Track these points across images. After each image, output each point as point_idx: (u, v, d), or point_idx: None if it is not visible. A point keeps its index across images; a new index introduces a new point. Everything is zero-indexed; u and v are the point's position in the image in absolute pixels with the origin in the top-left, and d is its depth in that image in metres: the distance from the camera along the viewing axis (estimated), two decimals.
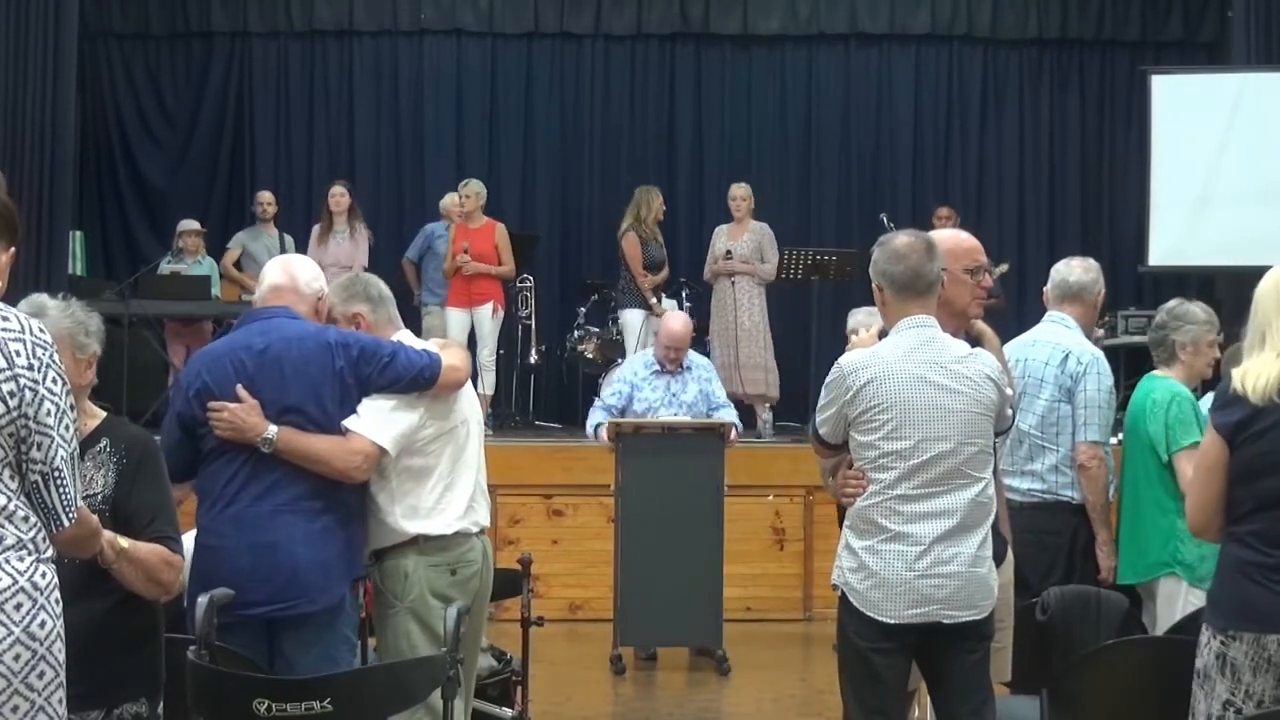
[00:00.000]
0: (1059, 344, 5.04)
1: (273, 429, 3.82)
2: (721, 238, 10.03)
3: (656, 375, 7.50)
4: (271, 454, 3.83)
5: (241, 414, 3.82)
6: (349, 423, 3.91)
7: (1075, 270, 5.21)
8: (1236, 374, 3.37)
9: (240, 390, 3.84)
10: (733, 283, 9.82)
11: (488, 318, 9.84)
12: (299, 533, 3.83)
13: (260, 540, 3.80)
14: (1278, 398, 3.28)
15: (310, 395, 3.88)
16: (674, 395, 7.46)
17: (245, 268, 10.47)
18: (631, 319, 10.04)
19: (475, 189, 10.00)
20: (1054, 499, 4.96)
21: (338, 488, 3.91)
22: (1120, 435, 5.20)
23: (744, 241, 9.90)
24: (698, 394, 7.49)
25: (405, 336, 4.21)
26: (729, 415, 7.46)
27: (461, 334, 9.54)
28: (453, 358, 4.11)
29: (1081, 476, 4.92)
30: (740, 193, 10.09)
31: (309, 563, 3.82)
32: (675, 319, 7.69)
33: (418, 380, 3.97)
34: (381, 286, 4.28)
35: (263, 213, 10.67)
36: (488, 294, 9.86)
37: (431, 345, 4.18)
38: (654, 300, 9.96)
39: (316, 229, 10.27)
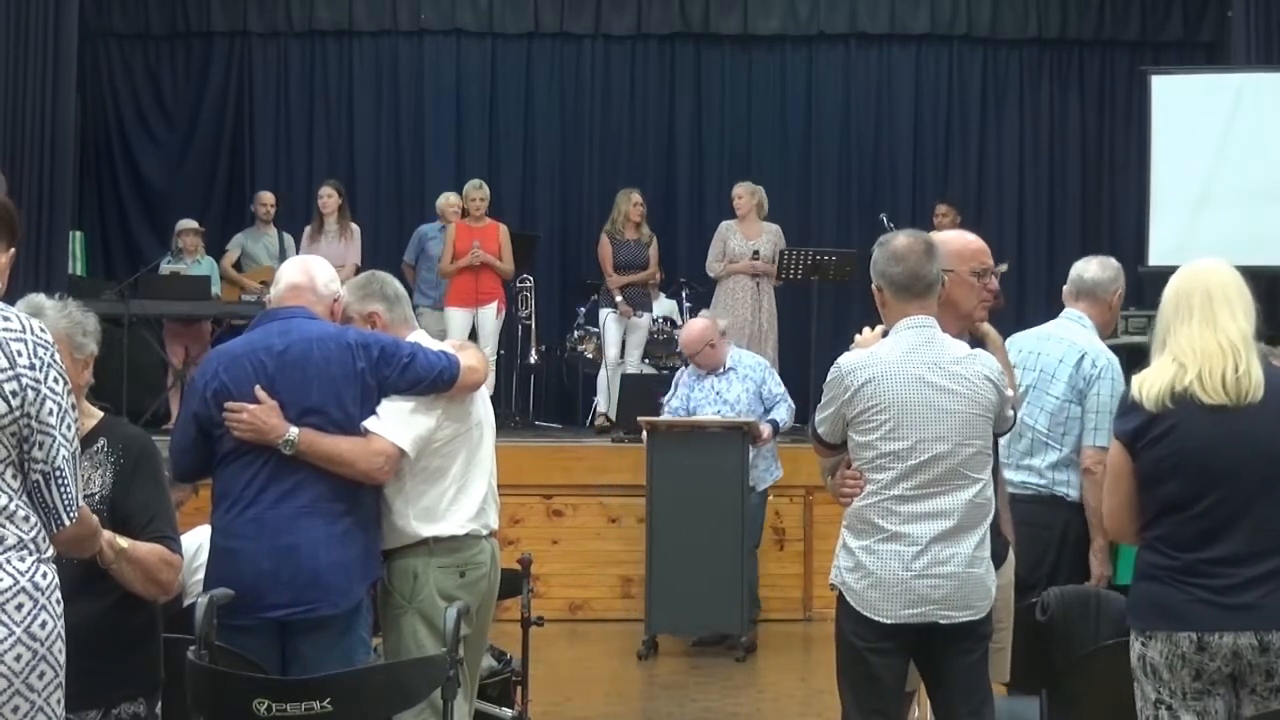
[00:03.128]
0: (1075, 343, 4.97)
1: (294, 430, 3.79)
2: (735, 236, 9.89)
3: (701, 378, 7.70)
4: (292, 455, 3.80)
5: (261, 415, 3.79)
6: (369, 424, 3.89)
7: (1092, 267, 5.15)
8: (1136, 380, 3.38)
9: (259, 391, 3.81)
10: (757, 284, 9.79)
11: (491, 317, 9.92)
12: (321, 535, 3.81)
13: (281, 543, 3.78)
14: (1170, 403, 3.29)
15: (331, 396, 3.86)
16: (718, 394, 7.64)
17: (245, 269, 10.47)
18: (601, 317, 10.16)
19: (485, 190, 10.10)
20: (1049, 494, 4.94)
21: (358, 489, 3.90)
22: None
23: (764, 243, 9.84)
24: (742, 393, 7.61)
25: (420, 337, 4.20)
26: (778, 413, 7.64)
27: (463, 334, 9.52)
28: (470, 359, 4.10)
29: (1085, 480, 4.87)
30: (740, 191, 10.01)
31: (330, 565, 3.80)
32: (690, 326, 7.88)
33: (437, 382, 3.96)
34: (397, 285, 4.27)
35: (264, 214, 10.62)
36: (493, 293, 9.94)
37: (447, 346, 4.17)
38: (619, 299, 9.99)
39: (307, 230, 10.27)
